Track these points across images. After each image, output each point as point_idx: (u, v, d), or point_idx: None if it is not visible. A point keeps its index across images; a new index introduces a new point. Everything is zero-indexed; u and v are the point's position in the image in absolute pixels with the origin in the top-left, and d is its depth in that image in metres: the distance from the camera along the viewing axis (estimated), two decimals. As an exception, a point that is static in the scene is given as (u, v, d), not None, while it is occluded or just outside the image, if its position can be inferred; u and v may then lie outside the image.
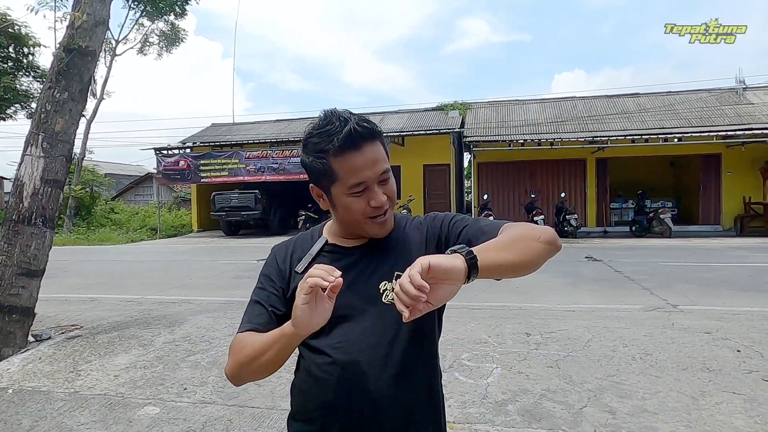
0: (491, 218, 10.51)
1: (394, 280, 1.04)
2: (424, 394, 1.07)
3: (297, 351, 1.12)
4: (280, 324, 1.04)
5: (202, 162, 17.27)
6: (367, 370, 1.01)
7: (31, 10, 10.22)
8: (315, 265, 0.89)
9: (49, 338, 4.61)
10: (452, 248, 0.88)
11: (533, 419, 2.86)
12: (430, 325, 1.10)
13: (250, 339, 1.02)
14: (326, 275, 0.85)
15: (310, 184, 1.10)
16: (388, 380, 1.01)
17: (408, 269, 0.80)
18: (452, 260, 0.83)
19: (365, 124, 1.01)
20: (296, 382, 1.14)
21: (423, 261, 0.79)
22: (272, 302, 1.08)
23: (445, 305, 1.07)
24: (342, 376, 1.02)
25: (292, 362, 1.13)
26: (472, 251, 0.86)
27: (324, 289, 0.85)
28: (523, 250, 0.94)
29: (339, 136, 0.98)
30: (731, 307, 5.43)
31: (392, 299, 1.00)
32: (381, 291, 1.03)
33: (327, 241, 1.12)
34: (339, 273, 0.86)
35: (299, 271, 1.08)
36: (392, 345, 1.02)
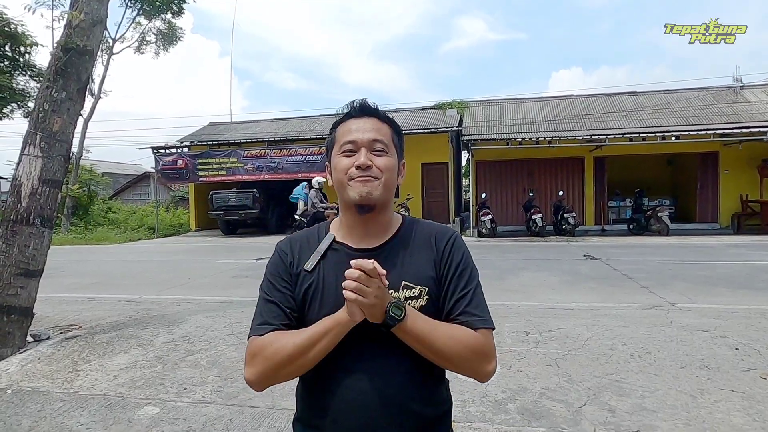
0: (489, 216, 10.50)
1: (401, 290, 1.04)
2: (430, 401, 1.07)
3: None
4: (298, 324, 1.06)
5: (200, 161, 17.25)
6: (375, 377, 1.01)
7: (29, 9, 10.19)
8: (348, 272, 0.93)
9: (48, 338, 4.60)
10: (395, 301, 0.98)
11: (533, 418, 2.87)
12: None
13: (285, 339, 1.01)
14: (362, 287, 0.92)
15: (326, 162, 1.17)
16: (396, 387, 1.02)
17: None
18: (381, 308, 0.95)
19: (373, 104, 1.12)
20: (301, 386, 1.13)
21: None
22: (288, 303, 1.07)
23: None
24: (349, 383, 1.02)
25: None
26: (402, 317, 0.96)
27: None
28: (449, 358, 1.01)
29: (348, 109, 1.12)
30: (729, 305, 5.45)
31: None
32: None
33: (335, 238, 1.12)
34: (383, 272, 0.93)
35: (308, 270, 1.08)
36: (400, 353, 1.02)
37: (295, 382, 1.13)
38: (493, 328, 1.07)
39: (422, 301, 1.05)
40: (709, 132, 14.18)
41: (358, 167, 1.04)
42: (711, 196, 15.90)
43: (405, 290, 1.04)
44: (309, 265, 1.08)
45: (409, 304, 1.02)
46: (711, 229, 15.29)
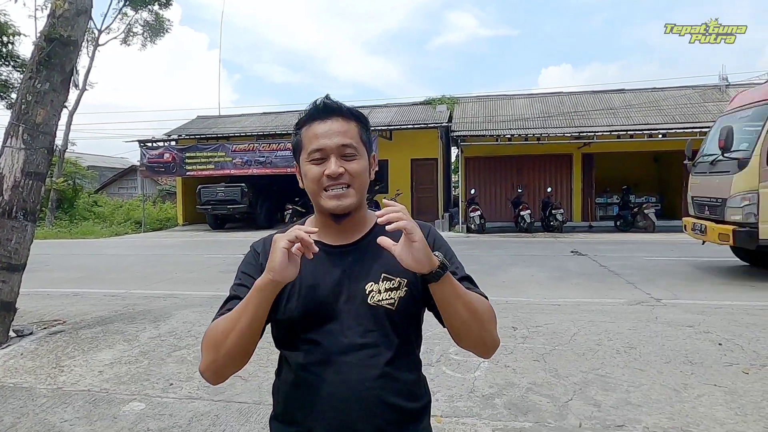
0: (478, 212, 10.48)
1: (380, 282, 1.04)
2: (409, 395, 1.06)
3: (279, 352, 1.13)
4: (271, 322, 1.05)
5: (187, 155, 17.06)
6: (353, 371, 1.00)
7: (11, -2, 9.96)
8: (296, 226, 0.93)
9: (31, 333, 4.53)
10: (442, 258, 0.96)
11: (520, 412, 2.89)
12: (414, 329, 1.11)
13: (221, 320, 1.01)
14: (304, 234, 0.90)
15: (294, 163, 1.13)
16: (373, 381, 1.01)
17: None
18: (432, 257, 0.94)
19: (336, 101, 1.07)
20: (279, 383, 1.12)
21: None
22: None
23: (423, 318, 1.13)
24: (328, 377, 1.01)
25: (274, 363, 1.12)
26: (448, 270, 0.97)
27: (299, 242, 0.91)
28: (481, 315, 1.04)
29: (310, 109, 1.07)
30: (713, 301, 5.53)
31: (379, 301, 1.00)
32: (367, 292, 1.03)
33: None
34: (315, 230, 0.93)
35: None
36: (378, 346, 1.03)
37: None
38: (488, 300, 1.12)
39: (401, 293, 1.04)
40: (695, 130, 14.34)
41: (329, 176, 1.02)
42: (696, 194, 16.09)
43: (384, 282, 1.04)
44: None
45: (388, 295, 1.03)
46: (696, 226, 15.46)
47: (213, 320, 1.06)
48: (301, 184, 1.11)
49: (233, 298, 1.06)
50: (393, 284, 1.05)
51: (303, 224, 1.13)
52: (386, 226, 0.91)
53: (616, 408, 2.91)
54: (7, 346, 4.18)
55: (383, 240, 0.94)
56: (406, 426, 1.05)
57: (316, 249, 0.93)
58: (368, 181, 1.09)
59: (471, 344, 1.07)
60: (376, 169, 1.14)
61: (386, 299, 1.03)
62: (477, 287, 1.11)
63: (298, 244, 0.91)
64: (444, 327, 1.07)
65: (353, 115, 1.08)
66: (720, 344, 3.99)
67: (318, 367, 1.02)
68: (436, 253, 0.96)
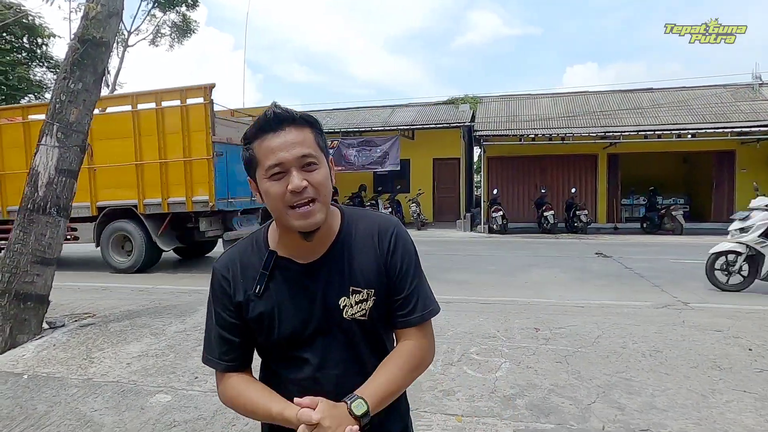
0: (500, 213, 10.31)
1: (351, 296, 1.05)
2: (394, 403, 1.08)
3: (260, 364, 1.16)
4: (249, 348, 1.12)
5: (212, 153, 17.34)
6: (342, 384, 1.03)
7: (47, 1, 10.27)
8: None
9: (63, 326, 4.68)
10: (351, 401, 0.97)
11: (541, 414, 2.87)
12: (388, 333, 1.14)
13: (244, 399, 1.05)
14: None
15: (248, 178, 1.06)
16: (355, 387, 1.03)
17: None
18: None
19: (285, 109, 0.99)
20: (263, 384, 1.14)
21: None
22: (235, 333, 1.08)
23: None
24: (308, 384, 1.04)
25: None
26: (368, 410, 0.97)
27: None
28: (414, 374, 1.08)
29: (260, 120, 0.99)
30: (743, 305, 5.38)
31: (353, 314, 1.04)
32: (341, 307, 1.05)
33: (277, 254, 1.06)
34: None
35: (258, 294, 1.04)
36: (362, 358, 1.07)
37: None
38: (436, 312, 1.11)
39: (370, 303, 1.05)
40: (726, 130, 13.95)
41: (293, 191, 0.95)
42: (727, 195, 15.67)
43: (354, 295, 1.05)
44: (258, 289, 1.04)
45: (359, 307, 1.05)
46: (726, 228, 15.03)
47: (209, 359, 1.11)
48: (260, 201, 1.04)
49: (222, 339, 1.08)
50: (362, 296, 1.05)
51: (265, 236, 1.11)
52: None
53: (640, 412, 2.87)
54: (40, 338, 4.32)
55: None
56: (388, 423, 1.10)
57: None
58: (331, 189, 1.03)
59: None
60: (334, 171, 1.08)
61: (359, 312, 1.05)
62: (419, 302, 1.09)
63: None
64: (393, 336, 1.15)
65: (306, 121, 1.01)
66: (750, 349, 3.89)
67: (306, 381, 1.05)
68: (348, 406, 0.95)
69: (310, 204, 0.97)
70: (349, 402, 0.96)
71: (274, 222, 1.09)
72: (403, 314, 1.08)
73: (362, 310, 1.05)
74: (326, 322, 1.05)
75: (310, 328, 1.04)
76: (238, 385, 1.07)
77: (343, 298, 1.04)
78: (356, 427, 0.92)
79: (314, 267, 1.06)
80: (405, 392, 1.18)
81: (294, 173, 0.96)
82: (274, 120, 0.98)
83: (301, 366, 1.06)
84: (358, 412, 0.95)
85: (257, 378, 1.14)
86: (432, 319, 1.11)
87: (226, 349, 1.08)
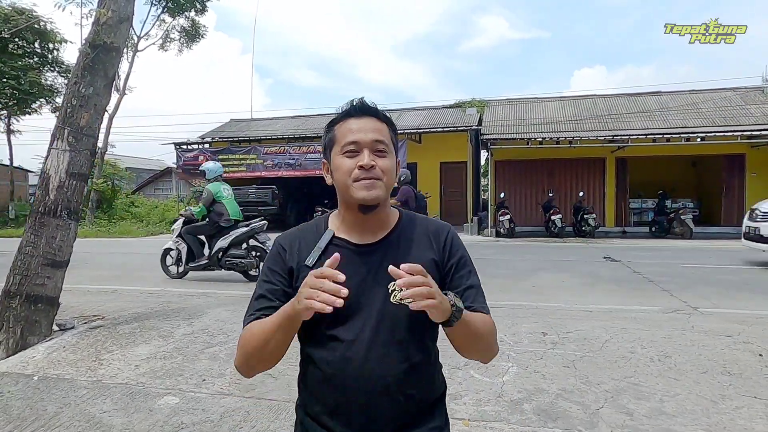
0: (507, 216, 10.28)
1: None
2: (429, 387, 1.13)
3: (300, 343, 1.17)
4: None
5: (220, 157, 17.45)
6: (376, 366, 1.04)
7: (58, 7, 10.41)
8: (320, 274, 0.92)
9: (73, 327, 4.72)
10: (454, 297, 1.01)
11: (549, 419, 2.85)
12: (433, 324, 1.12)
13: (256, 328, 1.06)
14: (331, 298, 0.89)
15: (322, 160, 1.18)
16: (394, 375, 1.05)
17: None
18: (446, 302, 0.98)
19: (372, 103, 1.13)
20: (303, 375, 1.16)
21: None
22: (278, 296, 1.11)
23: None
24: (351, 372, 1.05)
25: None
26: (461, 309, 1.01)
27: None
28: (485, 338, 1.12)
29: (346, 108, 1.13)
30: (754, 311, 5.33)
31: (400, 300, 1.03)
32: (390, 291, 1.05)
33: (334, 233, 1.14)
34: (345, 292, 0.90)
35: (310, 265, 1.10)
36: (401, 343, 1.07)
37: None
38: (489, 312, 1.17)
39: None
40: (736, 133, 13.84)
41: (361, 167, 1.06)
42: (737, 199, 15.53)
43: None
44: (310, 261, 1.10)
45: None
46: (736, 232, 14.86)
47: (245, 319, 1.11)
48: (328, 181, 1.15)
49: (262, 297, 1.12)
50: None
51: (326, 220, 1.19)
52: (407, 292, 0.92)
53: (649, 417, 2.85)
54: (50, 339, 4.36)
55: (394, 271, 0.94)
56: (426, 416, 1.11)
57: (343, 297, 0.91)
58: (394, 180, 1.13)
59: (472, 357, 1.16)
60: (397, 175, 1.17)
61: (407, 297, 1.06)
62: (482, 297, 1.15)
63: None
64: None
65: (386, 119, 1.14)
66: (761, 355, 3.85)
67: (341, 363, 1.06)
68: (450, 298, 0.98)
69: (375, 180, 1.07)
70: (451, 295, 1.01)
71: (335, 212, 1.20)
72: (471, 301, 1.12)
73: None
74: (369, 303, 1.07)
75: (353, 304, 1.05)
76: (252, 324, 1.08)
77: (392, 283, 1.05)
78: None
79: (368, 248, 1.12)
80: (445, 389, 1.21)
81: (366, 152, 1.07)
82: (360, 108, 1.11)
83: (335, 346, 1.07)
84: (459, 304, 1.00)
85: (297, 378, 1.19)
86: None
87: (263, 308, 1.11)
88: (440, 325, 1.08)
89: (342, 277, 0.91)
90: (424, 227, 1.17)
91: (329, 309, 0.89)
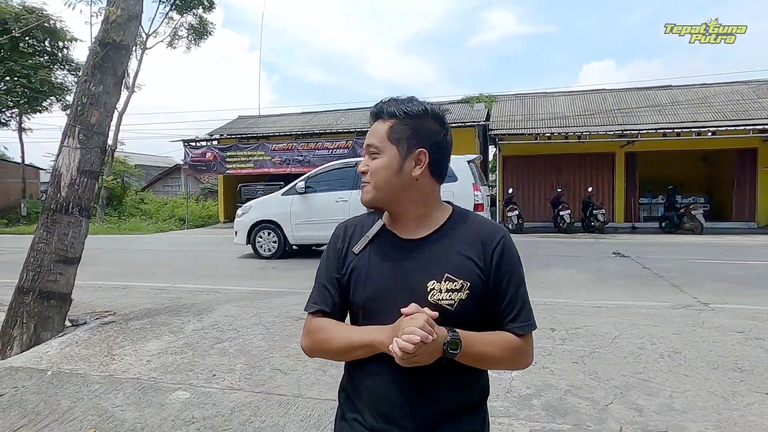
0: (516, 212, 10.21)
1: (442, 282, 1.06)
2: (465, 394, 1.10)
3: None
4: (342, 305, 1.16)
5: (228, 154, 17.55)
6: (412, 369, 1.03)
7: (68, 5, 10.47)
8: (417, 326, 0.95)
9: (85, 323, 4.78)
10: (451, 337, 1.00)
11: (558, 414, 2.85)
12: (473, 326, 1.10)
13: (331, 335, 1.10)
14: (426, 336, 0.94)
15: None
16: (432, 380, 1.06)
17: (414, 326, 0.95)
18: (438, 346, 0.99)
19: (382, 104, 1.14)
20: (347, 363, 1.19)
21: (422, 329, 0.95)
22: (335, 285, 1.16)
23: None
24: (385, 366, 1.06)
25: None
26: (458, 346, 1.00)
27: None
28: (502, 361, 1.09)
29: None
30: (765, 307, 5.28)
31: (439, 300, 1.04)
32: (428, 289, 1.05)
33: (384, 225, 1.16)
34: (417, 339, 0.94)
35: (356, 252, 1.14)
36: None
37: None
38: (535, 328, 1.13)
39: (462, 295, 1.05)
40: (747, 127, 13.68)
41: (359, 172, 1.16)
42: (748, 194, 15.37)
43: (447, 282, 1.06)
44: (357, 248, 1.14)
45: (449, 295, 1.05)
46: (748, 228, 14.79)
47: (308, 305, 1.18)
48: None
49: (324, 288, 1.17)
50: (455, 285, 1.06)
51: (381, 216, 1.20)
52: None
53: (659, 413, 2.84)
54: (63, 335, 4.42)
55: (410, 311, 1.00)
56: (461, 417, 1.09)
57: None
58: (392, 176, 1.10)
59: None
60: (423, 166, 1.11)
61: (446, 299, 1.05)
62: (522, 315, 1.11)
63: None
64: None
65: (393, 114, 1.11)
66: (772, 351, 3.82)
67: (379, 361, 1.07)
68: (447, 338, 0.99)
69: (367, 185, 1.13)
70: (449, 332, 1.00)
71: None
72: (508, 320, 1.10)
73: (451, 299, 1.05)
74: (403, 298, 1.05)
75: (389, 297, 1.07)
76: (327, 324, 1.13)
77: (432, 282, 1.06)
78: (432, 313, 0.99)
79: (413, 244, 1.12)
80: (486, 395, 1.18)
81: (365, 158, 1.15)
82: (371, 114, 1.17)
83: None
84: (456, 340, 1.00)
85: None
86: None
87: (323, 296, 1.16)
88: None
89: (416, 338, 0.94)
90: (476, 227, 1.13)
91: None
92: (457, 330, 1.01)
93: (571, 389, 3.18)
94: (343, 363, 1.20)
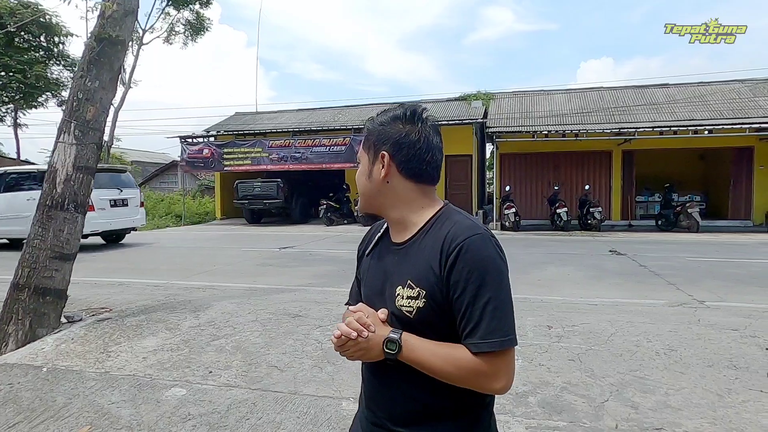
0: (513, 210, 10.14)
1: (405, 288, 1.05)
2: (433, 391, 1.04)
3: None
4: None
5: (225, 150, 17.48)
6: (402, 373, 1.05)
7: (64, 0, 10.38)
8: (349, 320, 1.05)
9: (81, 320, 4.76)
10: (390, 336, 1.02)
11: (554, 411, 2.86)
12: (435, 334, 1.04)
13: None
14: (359, 331, 1.03)
15: None
16: (399, 374, 1.06)
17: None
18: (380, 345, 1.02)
19: (371, 120, 1.18)
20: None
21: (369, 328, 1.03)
22: (359, 282, 1.25)
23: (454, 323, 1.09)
24: (379, 375, 1.11)
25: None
26: (396, 351, 1.01)
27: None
28: (461, 379, 0.99)
29: None
30: (760, 305, 5.30)
31: (400, 306, 1.05)
32: (396, 294, 1.06)
33: (386, 228, 1.20)
34: (372, 330, 1.03)
35: (366, 254, 1.22)
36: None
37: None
38: (508, 347, 0.96)
39: (420, 303, 1.02)
40: (744, 126, 13.71)
41: None
42: (744, 193, 15.42)
43: (408, 289, 1.04)
44: (368, 250, 1.22)
45: (408, 302, 1.03)
46: (744, 226, 14.84)
47: (348, 301, 1.30)
48: None
49: (354, 284, 1.30)
50: (413, 293, 1.03)
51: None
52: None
53: (654, 411, 2.85)
54: (59, 332, 4.41)
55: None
56: (437, 419, 1.05)
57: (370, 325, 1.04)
58: (366, 182, 1.14)
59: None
60: (385, 168, 1.09)
61: (406, 306, 1.04)
62: (479, 329, 0.96)
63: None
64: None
65: (366, 128, 1.18)
66: (767, 349, 3.83)
67: (373, 365, 1.11)
68: (387, 336, 1.01)
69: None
70: (392, 332, 1.03)
71: None
72: (464, 334, 0.98)
73: (410, 306, 1.03)
74: (380, 301, 1.11)
75: (373, 300, 1.13)
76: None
77: (399, 287, 1.06)
78: (384, 313, 1.06)
79: (397, 248, 1.13)
80: (469, 405, 1.06)
81: None
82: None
83: None
84: (396, 339, 1.01)
85: None
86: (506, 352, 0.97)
87: (352, 292, 1.29)
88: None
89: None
90: (443, 232, 1.03)
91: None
92: (403, 333, 1.01)
93: (567, 386, 3.19)
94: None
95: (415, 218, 1.10)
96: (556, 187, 14.92)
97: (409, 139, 1.10)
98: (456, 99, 19.27)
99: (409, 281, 1.04)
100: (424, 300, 1.01)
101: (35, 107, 21.40)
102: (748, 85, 16.47)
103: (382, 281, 1.12)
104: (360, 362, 1.13)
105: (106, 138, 18.94)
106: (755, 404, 2.91)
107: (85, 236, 8.88)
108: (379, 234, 1.20)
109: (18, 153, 23.20)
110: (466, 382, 0.98)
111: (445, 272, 0.99)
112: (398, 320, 1.06)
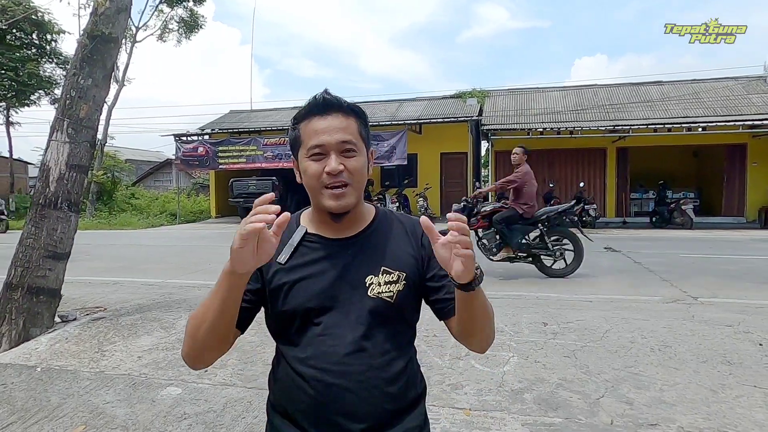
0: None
1: (380, 275, 1.05)
2: (407, 384, 1.08)
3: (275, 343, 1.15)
4: (247, 315, 1.07)
5: (220, 148, 17.41)
6: (354, 362, 1.01)
7: (55, -3, 10.31)
8: (254, 211, 0.87)
9: (75, 319, 4.73)
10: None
11: (549, 408, 2.87)
12: (410, 321, 1.12)
13: (198, 308, 1.02)
14: (265, 216, 0.84)
15: (291, 157, 1.14)
16: (373, 371, 1.03)
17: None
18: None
19: (335, 96, 1.06)
20: (275, 374, 1.13)
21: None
22: (246, 296, 1.04)
23: (420, 310, 1.14)
24: (329, 369, 1.01)
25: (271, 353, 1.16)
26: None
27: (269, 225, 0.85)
28: (491, 317, 1.06)
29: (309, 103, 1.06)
30: (754, 300, 5.34)
31: (379, 293, 1.03)
32: (367, 284, 1.05)
33: (306, 230, 1.10)
34: (275, 208, 0.85)
35: (282, 262, 1.06)
36: (378, 339, 1.04)
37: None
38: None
39: (399, 286, 1.06)
40: (737, 123, 13.79)
41: (329, 173, 1.01)
42: (738, 190, 15.51)
43: (384, 275, 1.05)
44: (282, 258, 1.06)
45: (387, 288, 1.05)
46: (737, 222, 14.94)
47: None
48: (299, 179, 1.10)
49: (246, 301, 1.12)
50: (392, 278, 1.06)
51: (299, 218, 1.15)
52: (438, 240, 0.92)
53: (649, 406, 2.86)
54: (53, 331, 4.38)
55: (426, 221, 0.93)
56: (403, 415, 1.07)
57: (285, 220, 0.88)
58: (366, 177, 1.08)
59: (474, 341, 1.08)
60: (372, 164, 1.12)
61: (385, 292, 1.05)
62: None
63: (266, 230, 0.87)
64: (440, 320, 1.11)
65: (352, 110, 1.06)
66: (761, 344, 3.86)
67: (318, 360, 1.02)
68: (477, 265, 0.93)
69: (343, 187, 1.03)
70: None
71: (308, 209, 1.16)
72: (448, 296, 1.06)
73: (390, 291, 1.05)
74: (344, 297, 1.04)
75: (328, 297, 1.03)
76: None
77: (370, 276, 1.05)
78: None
79: (344, 242, 1.09)
80: (425, 388, 1.18)
81: (333, 156, 1.02)
82: (323, 104, 1.04)
83: (309, 341, 1.04)
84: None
85: (270, 376, 1.17)
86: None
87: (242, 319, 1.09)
88: (429, 309, 1.09)
89: (274, 208, 0.85)
90: (401, 222, 1.14)
91: (261, 225, 0.84)
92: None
93: (562, 383, 3.20)
94: None
95: (364, 212, 1.13)
96: (551, 185, 14.96)
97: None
98: (451, 96, 19.27)
99: (383, 268, 1.06)
100: (404, 282, 1.06)
101: (28, 105, 21.26)
102: (742, 83, 16.57)
103: (338, 276, 1.05)
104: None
105: (99, 136, 18.84)
106: (749, 399, 2.93)
107: None
108: (298, 239, 1.09)
109: (10, 151, 23.05)
110: (493, 324, 1.08)
111: (421, 250, 1.10)
112: (374, 310, 1.03)
